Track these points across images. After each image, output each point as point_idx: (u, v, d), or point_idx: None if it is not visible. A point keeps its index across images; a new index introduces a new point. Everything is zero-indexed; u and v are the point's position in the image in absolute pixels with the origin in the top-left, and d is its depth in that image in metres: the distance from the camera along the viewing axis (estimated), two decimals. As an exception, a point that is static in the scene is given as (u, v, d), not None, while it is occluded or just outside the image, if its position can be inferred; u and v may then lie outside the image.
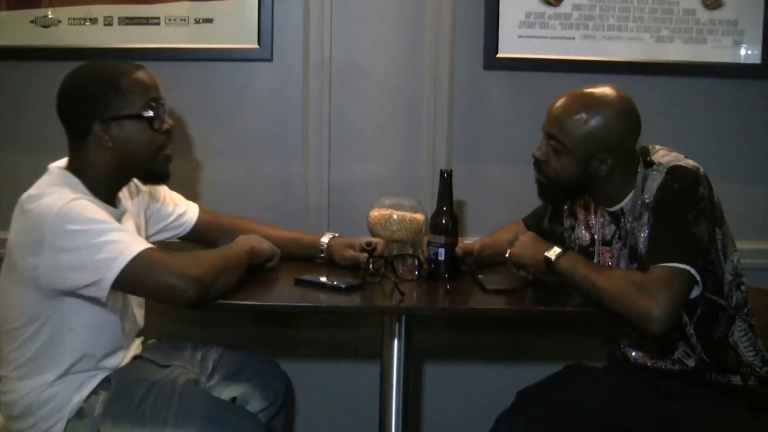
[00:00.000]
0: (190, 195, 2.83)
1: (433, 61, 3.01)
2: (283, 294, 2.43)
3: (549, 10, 3.03)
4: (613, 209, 2.39)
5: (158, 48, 2.99)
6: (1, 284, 2.24)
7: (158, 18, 2.99)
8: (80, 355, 2.24)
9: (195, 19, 3.00)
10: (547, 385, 2.48)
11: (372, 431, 2.56)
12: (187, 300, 2.10)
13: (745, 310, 2.31)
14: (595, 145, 2.25)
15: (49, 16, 2.97)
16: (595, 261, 2.44)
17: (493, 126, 3.09)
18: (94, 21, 2.98)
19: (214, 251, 2.33)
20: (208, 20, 3.00)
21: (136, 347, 2.48)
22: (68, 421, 2.23)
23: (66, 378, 2.24)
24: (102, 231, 2.07)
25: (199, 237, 2.70)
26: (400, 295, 2.26)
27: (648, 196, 2.27)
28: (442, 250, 2.46)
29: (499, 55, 3.03)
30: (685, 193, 2.20)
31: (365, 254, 2.50)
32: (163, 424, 2.21)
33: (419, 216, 2.66)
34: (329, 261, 2.63)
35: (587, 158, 2.27)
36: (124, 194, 2.39)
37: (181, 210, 2.66)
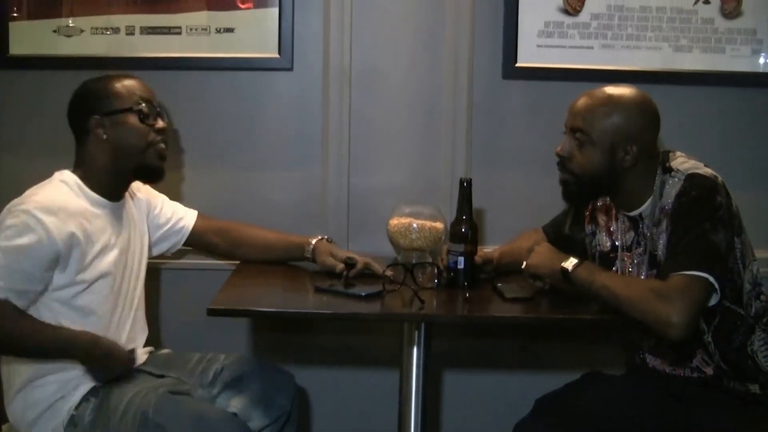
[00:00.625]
0: (210, 203, 2.87)
1: (452, 69, 3.02)
2: (304, 301, 2.45)
3: (568, 20, 3.04)
4: (632, 214, 2.39)
5: (179, 57, 3.01)
6: None
7: (179, 27, 3.02)
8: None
9: (216, 29, 3.02)
10: (565, 393, 2.48)
11: (391, 439, 2.57)
12: None
13: (765, 320, 2.31)
14: (620, 135, 2.29)
15: (71, 25, 3.00)
16: (616, 267, 2.45)
17: (512, 134, 3.10)
18: (116, 30, 3.01)
19: (54, 329, 2.25)
20: (229, 30, 3.02)
21: (141, 357, 2.50)
22: (64, 429, 2.29)
23: (48, 378, 2.29)
24: (13, 249, 2.16)
25: (200, 243, 2.78)
26: (419, 302, 2.28)
27: (667, 203, 2.28)
28: (461, 259, 2.48)
29: (518, 64, 3.04)
30: (702, 201, 2.21)
31: (342, 265, 2.56)
32: None
33: (439, 224, 2.67)
34: (312, 261, 2.70)
35: (612, 148, 2.30)
36: (128, 202, 2.50)
37: (179, 216, 2.72)
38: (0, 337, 2.17)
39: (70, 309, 2.27)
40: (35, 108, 3.05)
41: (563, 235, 2.65)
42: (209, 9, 3.01)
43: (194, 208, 2.77)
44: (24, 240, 2.16)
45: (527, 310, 2.34)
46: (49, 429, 2.29)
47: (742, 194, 2.39)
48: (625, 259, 2.43)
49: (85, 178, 2.36)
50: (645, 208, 2.36)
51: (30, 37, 3.01)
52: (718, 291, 2.17)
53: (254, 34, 3.03)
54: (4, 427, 2.44)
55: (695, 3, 3.04)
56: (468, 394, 3.25)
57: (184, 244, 2.76)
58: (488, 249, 2.74)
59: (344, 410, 3.22)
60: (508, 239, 2.78)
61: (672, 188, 2.27)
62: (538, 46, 3.05)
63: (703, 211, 2.20)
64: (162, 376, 2.47)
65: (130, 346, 2.42)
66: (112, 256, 2.37)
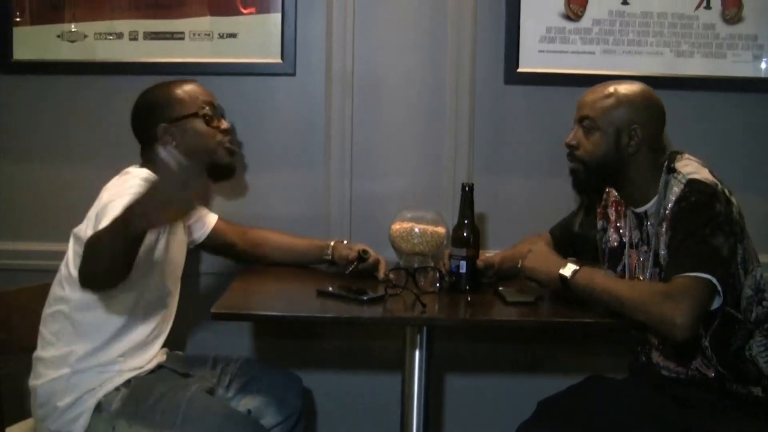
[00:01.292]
0: (213, 208, 2.87)
1: (454, 75, 3.03)
2: (306, 305, 2.45)
3: (569, 25, 3.05)
4: (639, 210, 2.42)
5: (182, 62, 3.02)
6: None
7: (182, 33, 3.03)
8: (102, 344, 2.33)
9: (219, 34, 3.03)
10: (567, 395, 2.49)
11: (393, 442, 2.57)
12: None
13: (767, 326, 2.32)
14: (625, 121, 2.36)
15: (73, 30, 3.01)
16: (623, 263, 2.47)
17: (513, 139, 3.10)
18: (119, 36, 3.02)
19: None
20: (232, 35, 3.03)
21: (161, 355, 2.52)
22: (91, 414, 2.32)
23: (87, 372, 2.32)
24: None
25: (218, 242, 2.78)
26: (421, 306, 2.28)
27: (668, 205, 2.29)
28: (463, 263, 2.49)
29: (519, 70, 3.05)
30: (702, 207, 2.23)
31: (355, 253, 2.65)
32: (171, 428, 2.26)
33: (440, 229, 2.68)
34: (332, 262, 2.75)
35: (617, 133, 2.36)
36: None
37: (203, 212, 2.75)
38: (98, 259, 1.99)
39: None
40: (39, 112, 3.06)
41: (572, 234, 2.68)
42: (212, 14, 3.02)
43: (197, 212, 2.78)
44: None
45: (529, 314, 2.34)
46: (75, 413, 2.30)
47: (744, 199, 2.39)
48: (632, 255, 2.46)
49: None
50: (651, 206, 2.38)
51: (33, 42, 3.02)
52: (721, 293, 2.18)
53: (257, 40, 3.04)
54: (23, 422, 2.49)
55: (696, 8, 3.05)
56: (470, 397, 3.25)
57: (203, 247, 2.78)
58: (490, 253, 2.75)
59: (347, 413, 3.22)
60: (509, 244, 2.78)
61: (673, 189, 2.30)
62: (540, 51, 3.06)
63: (703, 216, 2.21)
64: (187, 375, 2.50)
65: (159, 335, 2.48)
66: (161, 244, 2.39)
